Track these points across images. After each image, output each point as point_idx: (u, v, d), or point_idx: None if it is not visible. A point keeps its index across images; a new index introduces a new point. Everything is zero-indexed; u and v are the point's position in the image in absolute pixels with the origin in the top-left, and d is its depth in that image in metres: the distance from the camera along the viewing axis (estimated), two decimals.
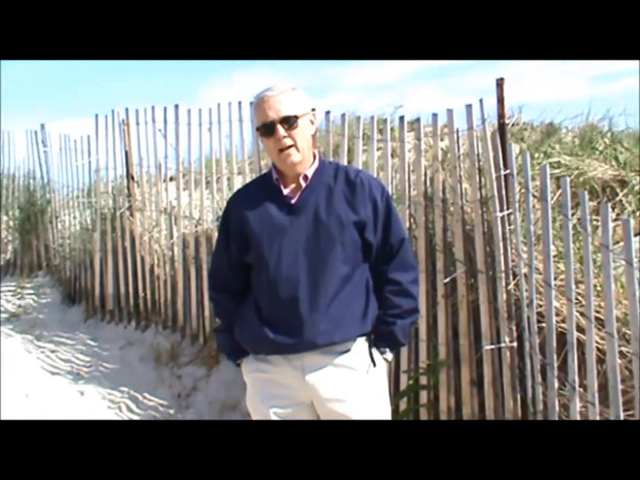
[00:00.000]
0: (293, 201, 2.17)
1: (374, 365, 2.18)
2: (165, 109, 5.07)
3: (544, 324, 2.95)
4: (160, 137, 5.15)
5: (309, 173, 2.18)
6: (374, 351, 2.19)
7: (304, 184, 2.17)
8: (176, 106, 4.98)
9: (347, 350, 2.15)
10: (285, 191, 2.18)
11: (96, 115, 5.77)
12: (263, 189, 2.23)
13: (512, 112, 5.51)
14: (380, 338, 2.19)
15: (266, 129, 2.12)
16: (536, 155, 4.46)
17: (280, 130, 2.09)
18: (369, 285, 2.19)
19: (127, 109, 5.47)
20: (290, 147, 2.11)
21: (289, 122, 2.10)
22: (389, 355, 2.25)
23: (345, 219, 2.13)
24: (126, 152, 5.54)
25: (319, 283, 2.10)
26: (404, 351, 3.48)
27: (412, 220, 3.60)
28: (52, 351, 5.34)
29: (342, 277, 2.12)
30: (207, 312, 4.72)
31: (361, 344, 2.17)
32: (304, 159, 2.16)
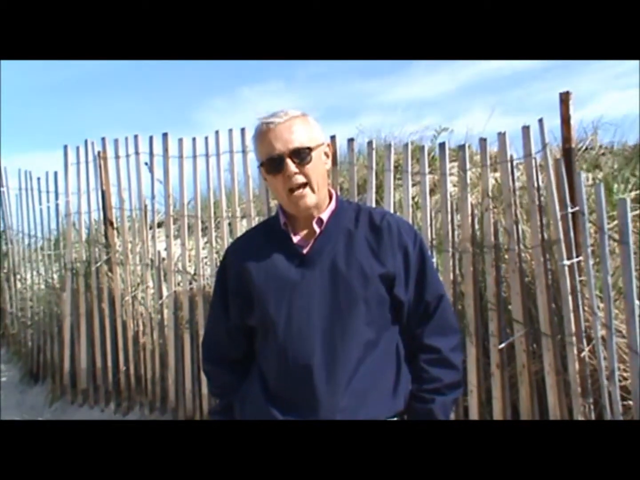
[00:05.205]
0: (305, 250, 2.24)
1: None
2: (150, 138, 5.21)
3: (630, 402, 2.97)
4: (146, 173, 5.26)
5: (324, 216, 2.25)
6: None
7: (318, 230, 2.24)
8: (164, 134, 5.12)
9: None
10: (296, 238, 2.26)
11: (65, 147, 5.93)
12: (268, 236, 2.32)
13: (584, 132, 5.58)
14: (416, 419, 2.22)
15: (273, 165, 2.18)
16: (615, 186, 4.51)
17: (291, 165, 2.16)
18: (400, 352, 2.24)
19: (103, 139, 5.64)
20: (303, 185, 2.18)
21: (301, 155, 2.17)
22: None
23: (370, 271, 2.18)
24: (103, 192, 5.68)
25: (338, 350, 2.14)
26: None
27: (457, 271, 3.65)
28: None
29: (366, 343, 2.17)
30: (204, 390, 4.80)
31: None
32: (319, 201, 2.23)
